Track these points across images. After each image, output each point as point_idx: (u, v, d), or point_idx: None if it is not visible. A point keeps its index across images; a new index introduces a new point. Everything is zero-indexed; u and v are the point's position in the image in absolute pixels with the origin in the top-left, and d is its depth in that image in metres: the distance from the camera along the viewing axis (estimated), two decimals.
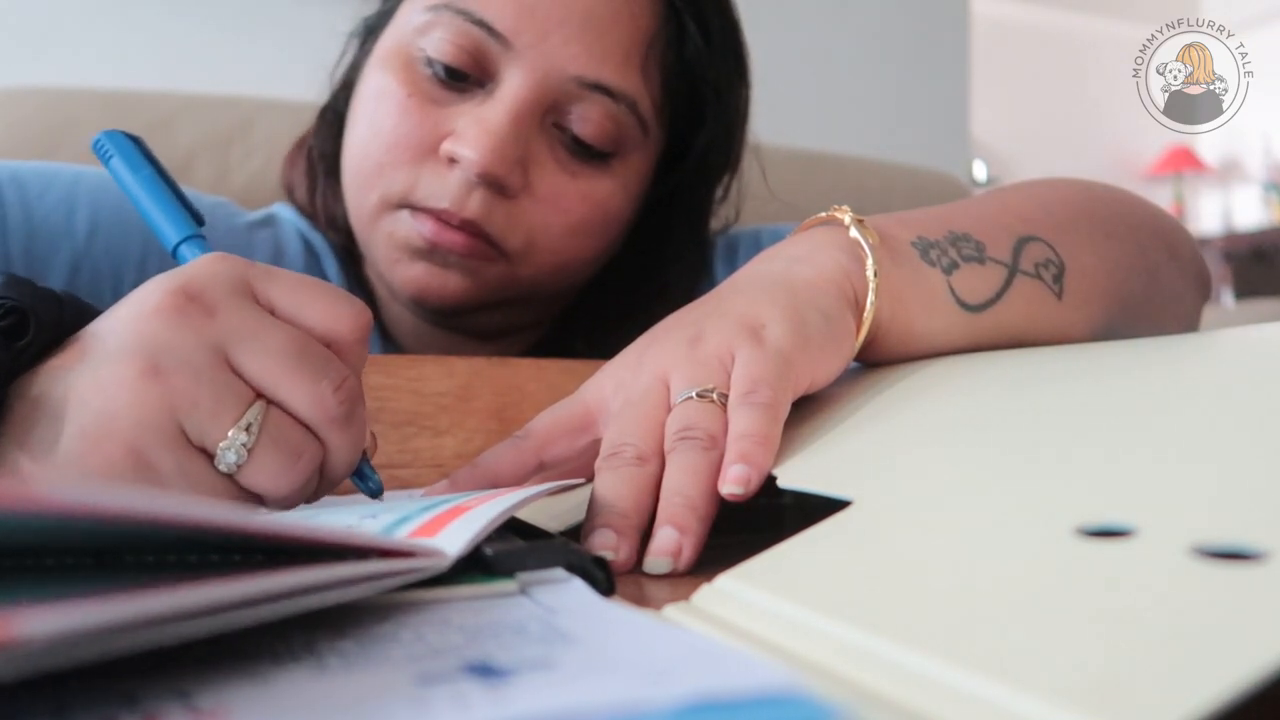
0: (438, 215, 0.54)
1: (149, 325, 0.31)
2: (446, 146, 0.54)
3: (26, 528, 0.15)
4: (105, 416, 0.30)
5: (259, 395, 0.31)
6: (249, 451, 0.31)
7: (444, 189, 0.54)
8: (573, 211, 0.57)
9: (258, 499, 0.32)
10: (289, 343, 0.32)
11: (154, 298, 0.31)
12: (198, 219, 0.38)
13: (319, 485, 0.34)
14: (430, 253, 0.55)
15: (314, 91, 0.64)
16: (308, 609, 0.18)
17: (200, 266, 0.33)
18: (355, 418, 0.33)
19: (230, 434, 0.30)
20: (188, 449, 0.31)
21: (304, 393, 0.32)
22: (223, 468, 0.31)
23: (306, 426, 0.32)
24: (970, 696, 0.15)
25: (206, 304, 0.31)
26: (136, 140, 0.39)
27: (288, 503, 0.33)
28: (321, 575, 0.18)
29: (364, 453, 0.35)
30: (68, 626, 0.13)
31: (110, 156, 0.38)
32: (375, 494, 0.36)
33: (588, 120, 0.55)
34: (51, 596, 0.13)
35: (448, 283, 0.56)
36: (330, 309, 0.33)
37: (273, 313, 0.33)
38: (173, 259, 0.37)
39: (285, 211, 0.66)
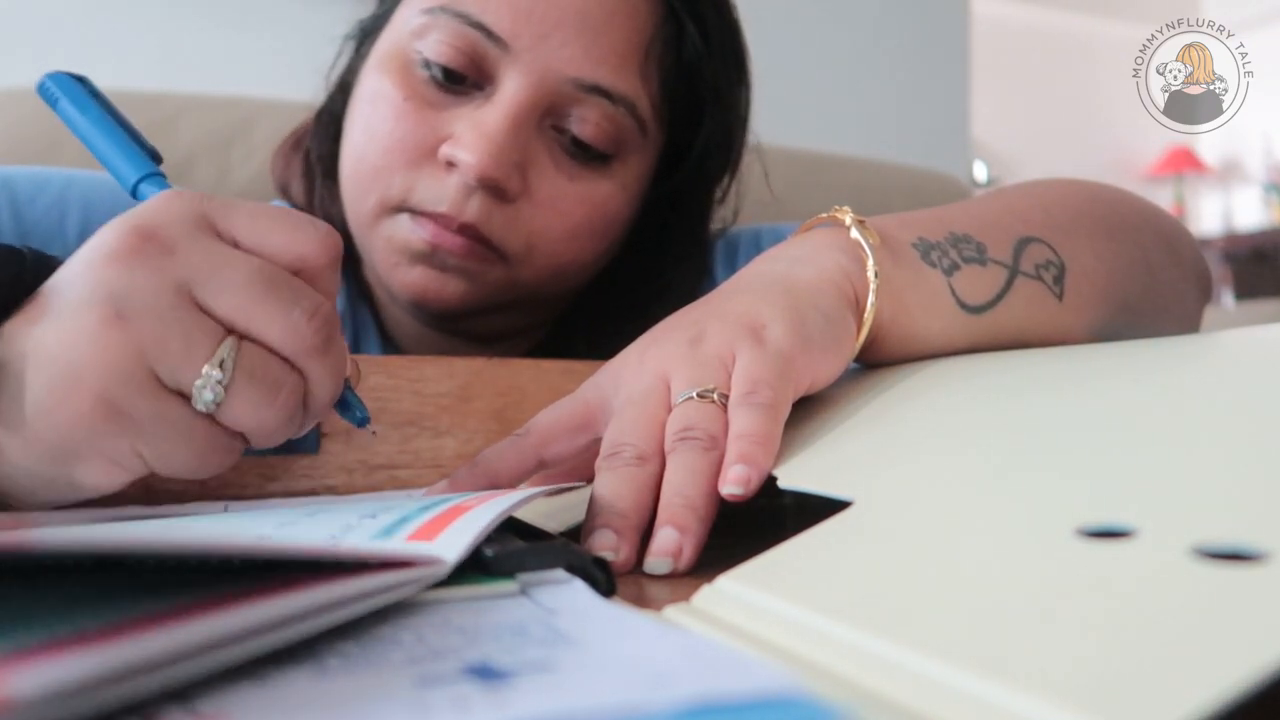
0: (437, 219, 0.54)
1: (107, 271, 0.30)
2: (445, 150, 0.53)
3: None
4: (72, 369, 0.29)
5: (230, 331, 0.30)
6: (225, 388, 0.30)
7: (442, 193, 0.53)
8: (572, 214, 0.57)
9: (241, 437, 0.32)
10: (255, 274, 0.31)
11: (110, 241, 0.30)
12: (155, 156, 0.36)
13: (304, 418, 0.33)
14: (430, 256, 0.55)
15: (314, 92, 0.64)
16: (310, 633, 0.18)
17: (155, 204, 0.32)
18: (333, 345, 0.32)
19: (205, 371, 0.29)
20: (162, 393, 0.30)
21: (276, 323, 0.31)
22: (201, 407, 0.30)
23: (283, 358, 0.31)
24: (970, 697, 0.15)
25: (164, 242, 0.30)
26: (83, 80, 0.37)
27: (273, 438, 0.32)
28: (319, 598, 0.18)
29: (346, 381, 0.34)
30: (64, 680, 0.12)
31: (57, 100, 0.37)
32: (362, 423, 0.35)
33: (586, 122, 0.55)
34: (45, 633, 0.13)
35: (446, 286, 0.56)
36: (295, 234, 0.32)
37: (236, 245, 0.32)
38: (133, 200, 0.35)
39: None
